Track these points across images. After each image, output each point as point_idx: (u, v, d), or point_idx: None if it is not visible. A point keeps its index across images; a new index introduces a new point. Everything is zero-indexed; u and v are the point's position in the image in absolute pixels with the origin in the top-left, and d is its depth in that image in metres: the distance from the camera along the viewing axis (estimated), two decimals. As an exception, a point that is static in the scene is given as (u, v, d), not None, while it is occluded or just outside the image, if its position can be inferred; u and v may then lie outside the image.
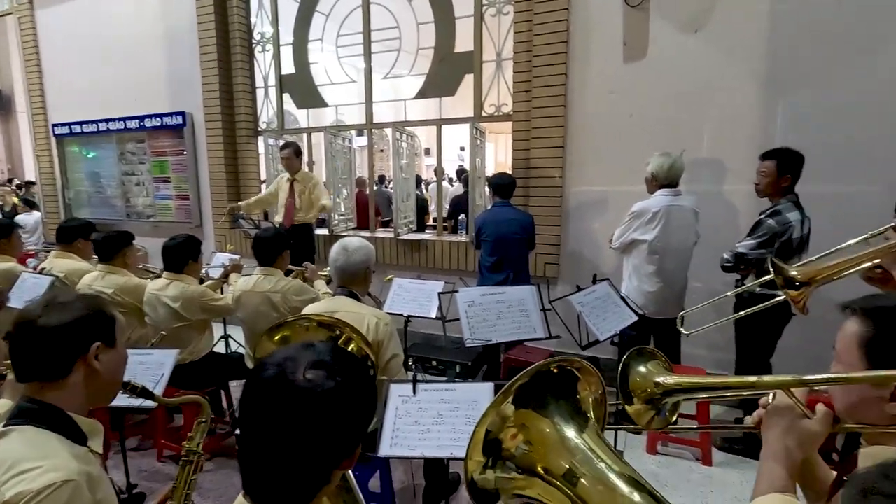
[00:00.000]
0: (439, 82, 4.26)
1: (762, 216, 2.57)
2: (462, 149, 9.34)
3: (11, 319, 1.03)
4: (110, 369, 1.09)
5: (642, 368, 1.09)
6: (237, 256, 3.69)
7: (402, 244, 4.33)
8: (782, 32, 2.97)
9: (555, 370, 0.90)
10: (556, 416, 0.88)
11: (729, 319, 2.03)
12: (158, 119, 5.24)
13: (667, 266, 2.85)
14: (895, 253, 1.32)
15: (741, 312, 1.42)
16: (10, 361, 1.03)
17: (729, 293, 2.09)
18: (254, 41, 4.98)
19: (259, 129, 5.11)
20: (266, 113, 5.10)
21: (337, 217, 4.64)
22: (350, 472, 0.92)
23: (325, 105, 4.92)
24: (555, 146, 3.61)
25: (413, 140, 4.54)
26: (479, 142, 4.00)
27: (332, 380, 0.72)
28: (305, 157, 4.76)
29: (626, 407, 1.07)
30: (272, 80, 4.98)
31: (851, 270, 1.29)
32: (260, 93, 5.06)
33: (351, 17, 4.48)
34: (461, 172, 7.57)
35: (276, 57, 4.91)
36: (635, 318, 2.62)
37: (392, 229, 4.42)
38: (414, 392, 1.66)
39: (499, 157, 10.53)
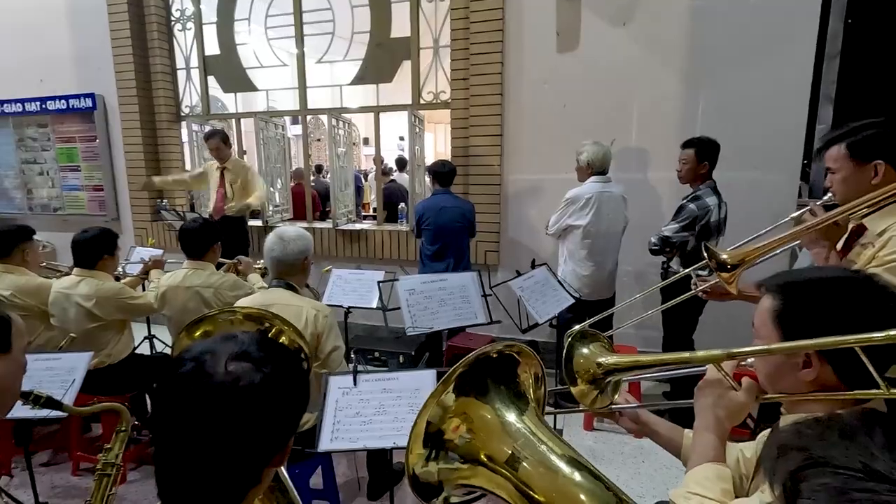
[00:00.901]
0: (376, 68, 4.15)
1: (684, 201, 2.74)
2: (401, 138, 9.24)
3: None
4: (4, 377, 0.97)
5: (585, 350, 1.10)
6: (159, 252, 3.43)
7: (340, 234, 4.22)
8: (700, 27, 3.15)
9: (494, 356, 0.89)
10: (497, 402, 0.88)
11: (659, 310, 2.13)
12: (64, 101, 4.72)
13: (599, 250, 2.98)
14: (811, 234, 1.44)
15: (678, 298, 1.49)
16: None
17: (662, 284, 2.19)
18: (172, 18, 4.61)
19: (182, 114, 4.75)
20: (189, 97, 4.75)
21: (271, 208, 4.44)
22: (283, 469, 0.88)
23: (254, 89, 4.66)
24: (493, 134, 3.63)
25: (350, 128, 4.41)
26: (417, 129, 3.96)
27: (258, 372, 0.67)
28: (235, 146, 4.49)
29: (572, 388, 1.08)
30: (195, 62, 4.64)
31: (776, 252, 1.38)
32: (181, 75, 4.70)
33: (280, -4, 4.26)
34: (401, 162, 7.48)
35: (199, 36, 4.57)
36: (572, 301, 2.72)
37: (330, 219, 4.30)
38: (355, 383, 1.62)
39: (438, 147, 10.50)
